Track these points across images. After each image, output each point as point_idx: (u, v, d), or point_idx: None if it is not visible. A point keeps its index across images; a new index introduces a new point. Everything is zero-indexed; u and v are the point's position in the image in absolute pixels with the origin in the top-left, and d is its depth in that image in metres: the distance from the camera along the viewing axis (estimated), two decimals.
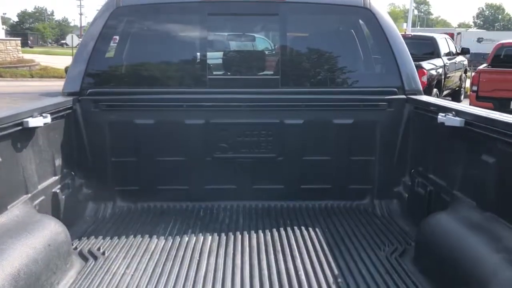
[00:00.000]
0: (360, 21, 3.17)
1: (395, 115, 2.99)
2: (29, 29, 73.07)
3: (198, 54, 3.10)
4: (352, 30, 3.27)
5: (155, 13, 3.10)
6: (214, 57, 3.43)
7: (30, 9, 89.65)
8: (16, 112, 2.25)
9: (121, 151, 3.00)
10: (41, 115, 2.36)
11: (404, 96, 3.01)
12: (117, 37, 3.25)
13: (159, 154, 3.00)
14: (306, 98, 3.00)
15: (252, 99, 2.98)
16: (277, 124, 3.01)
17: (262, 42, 5.10)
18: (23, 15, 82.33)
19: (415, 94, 3.01)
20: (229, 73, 3.24)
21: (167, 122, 2.98)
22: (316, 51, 3.27)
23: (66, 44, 34.80)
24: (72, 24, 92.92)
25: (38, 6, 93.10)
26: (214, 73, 3.25)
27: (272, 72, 3.32)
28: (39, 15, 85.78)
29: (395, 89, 3.00)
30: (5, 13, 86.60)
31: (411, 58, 3.01)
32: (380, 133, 3.04)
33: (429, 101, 2.80)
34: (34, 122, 2.29)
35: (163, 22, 3.16)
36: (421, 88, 3.06)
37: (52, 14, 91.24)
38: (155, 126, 2.97)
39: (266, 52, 4.50)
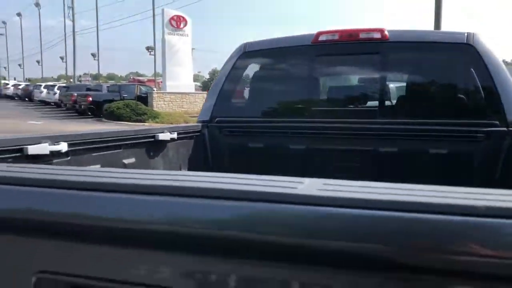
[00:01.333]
0: (463, 57, 3.23)
1: (494, 147, 2.95)
2: None
3: (306, 90, 3.56)
4: (454, 65, 3.34)
5: (273, 57, 3.69)
6: (321, 92, 3.83)
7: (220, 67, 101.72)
8: (150, 128, 3.04)
9: (236, 168, 3.56)
10: (169, 132, 3.10)
11: (505, 129, 2.94)
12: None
13: (265, 173, 3.45)
14: (402, 128, 3.17)
15: (351, 127, 3.27)
16: (372, 151, 3.23)
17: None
18: (214, 73, 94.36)
19: None
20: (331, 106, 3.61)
21: (274, 146, 3.47)
22: (414, 85, 3.43)
23: None
24: None
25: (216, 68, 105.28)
26: (319, 105, 3.65)
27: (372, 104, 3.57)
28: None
29: (496, 121, 2.97)
30: (199, 71, 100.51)
31: None
32: (477, 165, 3.01)
33: None
34: (163, 136, 3.03)
35: (279, 64, 3.72)
36: None
37: None
38: (264, 149, 3.49)
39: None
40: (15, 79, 74.54)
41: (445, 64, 3.30)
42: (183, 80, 27.01)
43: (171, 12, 28.81)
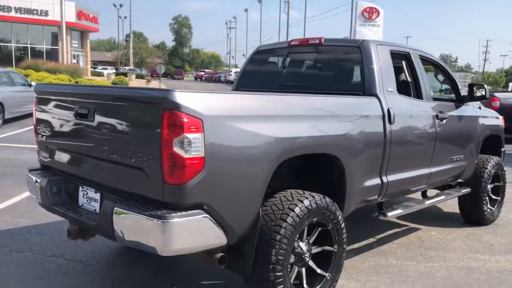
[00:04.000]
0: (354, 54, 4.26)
1: None
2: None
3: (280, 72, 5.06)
4: (350, 59, 4.35)
5: (270, 53, 5.24)
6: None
7: (436, 55, 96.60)
8: None
9: None
10: None
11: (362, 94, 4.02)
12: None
13: None
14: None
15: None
16: None
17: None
18: None
19: None
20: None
21: None
22: (325, 69, 4.70)
23: None
24: (474, 70, 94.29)
25: (444, 53, 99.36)
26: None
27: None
28: (444, 61, 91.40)
29: (360, 92, 3.96)
30: None
31: None
32: None
33: None
34: None
35: (271, 56, 5.26)
36: None
37: (455, 60, 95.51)
38: None
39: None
40: (236, 66, 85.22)
41: (346, 57, 4.48)
42: None
43: (364, 4, 30.20)
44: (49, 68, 27.95)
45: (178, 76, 70.64)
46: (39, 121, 3.51)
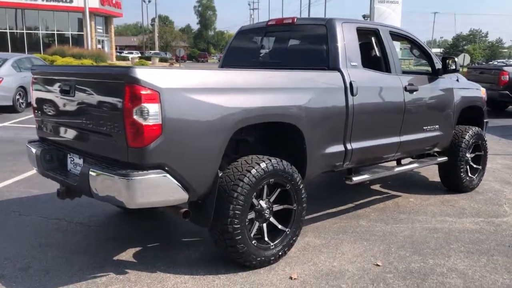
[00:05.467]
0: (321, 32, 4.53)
1: None
2: (461, 50, 77.61)
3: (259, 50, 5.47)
4: (318, 36, 4.56)
5: (251, 32, 5.62)
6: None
7: (465, 32, 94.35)
8: None
9: None
10: None
11: (326, 68, 4.20)
12: None
13: None
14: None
15: None
16: None
17: None
18: (458, 38, 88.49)
19: None
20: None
21: None
22: (297, 46, 4.97)
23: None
24: (506, 45, 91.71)
25: (473, 29, 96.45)
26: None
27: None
28: (473, 37, 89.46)
29: (325, 67, 4.16)
30: (441, 37, 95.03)
31: None
32: None
33: None
34: None
35: (252, 36, 5.65)
36: None
37: (486, 35, 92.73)
38: None
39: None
40: None
41: (315, 35, 4.72)
42: None
43: None
44: (75, 54, 28.90)
45: (202, 59, 71.24)
46: (35, 98, 4.01)
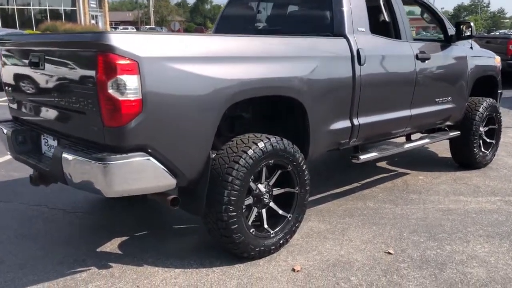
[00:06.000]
0: None
1: None
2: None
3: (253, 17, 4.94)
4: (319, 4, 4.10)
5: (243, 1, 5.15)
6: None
7: (466, 2, 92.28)
8: None
9: None
10: None
11: (330, 34, 3.72)
12: None
13: None
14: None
15: None
16: None
17: None
18: (459, 9, 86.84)
19: None
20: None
21: None
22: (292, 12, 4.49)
23: None
24: (508, 15, 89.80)
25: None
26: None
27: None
28: (475, 7, 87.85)
29: (329, 33, 3.72)
30: (442, 8, 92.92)
31: None
32: None
33: None
34: None
35: (244, 3, 5.16)
36: None
37: (487, 6, 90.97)
38: None
39: None
40: None
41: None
42: None
43: None
44: (67, 30, 28.14)
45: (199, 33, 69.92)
46: (4, 72, 3.57)
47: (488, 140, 5.53)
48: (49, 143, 3.19)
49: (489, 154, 5.57)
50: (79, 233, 3.67)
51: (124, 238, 3.55)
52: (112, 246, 3.42)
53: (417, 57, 4.34)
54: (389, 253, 3.34)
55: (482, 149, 5.44)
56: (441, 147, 6.24)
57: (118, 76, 2.47)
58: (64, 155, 2.74)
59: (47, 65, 2.95)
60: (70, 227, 3.78)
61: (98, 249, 3.37)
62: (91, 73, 2.57)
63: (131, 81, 2.50)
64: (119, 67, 2.47)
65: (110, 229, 3.71)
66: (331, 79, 3.57)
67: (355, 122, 3.83)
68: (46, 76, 3.00)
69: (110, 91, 2.49)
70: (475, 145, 5.28)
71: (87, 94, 2.65)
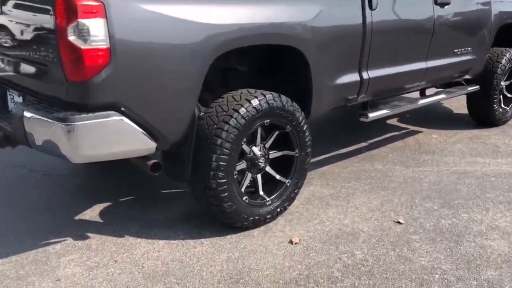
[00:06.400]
0: None
1: None
2: None
3: None
4: None
5: None
6: None
7: None
8: None
9: None
10: None
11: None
12: None
13: None
14: None
15: None
16: None
17: None
18: None
19: None
20: None
21: None
22: None
23: None
24: None
25: None
26: None
27: None
28: None
29: None
30: None
31: None
32: None
33: None
34: None
35: None
36: None
37: None
38: None
39: None
40: None
41: None
42: None
43: None
44: None
45: None
46: None
47: (509, 95, 5.08)
48: (14, 100, 2.82)
49: (510, 111, 5.13)
50: (58, 199, 3.35)
51: (106, 205, 3.23)
52: (92, 213, 3.11)
53: (435, 2, 3.84)
54: (399, 222, 2.99)
55: (502, 105, 5.00)
56: (457, 103, 5.78)
57: (80, 20, 2.06)
58: (26, 113, 2.37)
59: (5, 9, 2.53)
60: (50, 191, 3.47)
61: (77, 217, 3.06)
62: (50, 18, 2.15)
63: (95, 26, 2.09)
64: (80, 8, 2.05)
65: (92, 194, 3.40)
66: (338, 26, 3.12)
67: (365, 75, 3.40)
68: (6, 22, 2.59)
69: (71, 38, 2.08)
70: (495, 100, 4.83)
71: (47, 43, 2.25)
